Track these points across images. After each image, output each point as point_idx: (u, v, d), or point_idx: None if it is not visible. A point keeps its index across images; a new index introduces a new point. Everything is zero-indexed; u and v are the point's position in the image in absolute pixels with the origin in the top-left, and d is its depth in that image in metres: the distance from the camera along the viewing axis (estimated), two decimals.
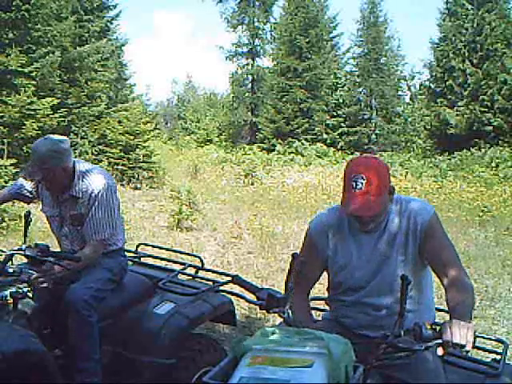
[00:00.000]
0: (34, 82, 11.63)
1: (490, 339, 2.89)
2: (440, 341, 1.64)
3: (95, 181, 2.81)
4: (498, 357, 2.44)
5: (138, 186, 14.04)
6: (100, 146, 14.14)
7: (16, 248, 2.76)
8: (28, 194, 3.01)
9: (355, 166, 2.02)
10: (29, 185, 3.01)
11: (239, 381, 1.44)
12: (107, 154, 13.91)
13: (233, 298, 2.95)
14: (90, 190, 2.79)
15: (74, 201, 2.83)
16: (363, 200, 1.95)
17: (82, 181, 2.81)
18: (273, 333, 1.65)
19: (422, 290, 2.13)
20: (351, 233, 2.16)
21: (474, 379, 2.25)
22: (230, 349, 1.61)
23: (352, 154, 27.07)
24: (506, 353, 2.44)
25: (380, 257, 2.10)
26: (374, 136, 32.37)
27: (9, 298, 2.38)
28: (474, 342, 1.63)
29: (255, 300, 1.90)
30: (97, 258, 2.84)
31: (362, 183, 1.95)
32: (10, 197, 3.02)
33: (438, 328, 1.69)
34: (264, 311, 1.88)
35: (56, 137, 2.80)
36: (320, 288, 2.88)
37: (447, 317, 1.84)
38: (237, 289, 2.28)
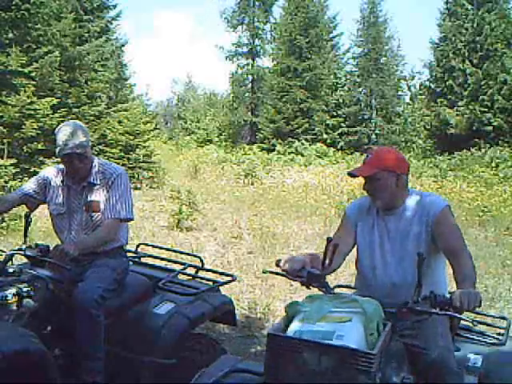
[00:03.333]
0: (33, 82, 11.62)
1: (494, 317, 3.29)
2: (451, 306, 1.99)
3: (112, 168, 3.01)
4: (502, 331, 2.80)
5: (138, 186, 14.05)
6: (100, 146, 14.12)
7: (16, 248, 2.76)
8: (35, 195, 3.00)
9: (373, 150, 2.61)
10: (34, 187, 3.01)
11: (294, 334, 1.82)
12: (107, 154, 13.89)
13: (233, 297, 2.95)
14: (107, 176, 2.94)
15: (91, 188, 2.93)
16: (361, 166, 2.51)
17: (99, 169, 2.96)
18: (317, 298, 2.04)
19: (434, 269, 2.46)
20: (377, 216, 2.57)
21: (481, 348, 2.60)
22: (285, 310, 2.00)
23: (352, 153, 27.08)
24: (509, 327, 2.79)
25: (398, 238, 2.48)
26: (374, 136, 32.36)
27: (9, 297, 2.38)
28: (480, 305, 1.98)
29: (293, 276, 2.25)
30: (110, 238, 2.88)
31: (367, 157, 2.50)
32: (19, 201, 3.01)
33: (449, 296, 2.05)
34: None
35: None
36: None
37: None
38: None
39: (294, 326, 1.87)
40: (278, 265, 2.28)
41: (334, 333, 1.78)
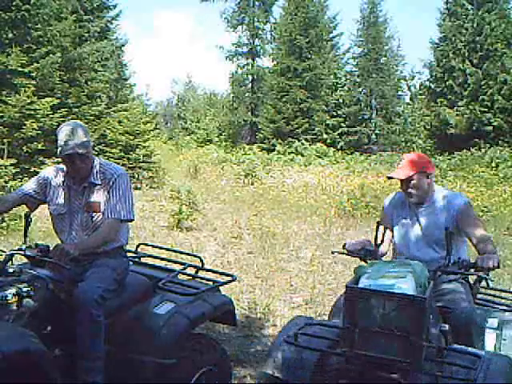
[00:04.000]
0: (34, 82, 11.64)
1: (506, 291, 4.03)
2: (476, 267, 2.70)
3: (112, 168, 2.99)
4: None
5: (138, 185, 14.05)
6: (100, 146, 14.13)
7: (16, 248, 2.76)
8: (36, 195, 2.99)
9: (404, 156, 3.25)
10: (35, 187, 3.00)
11: (364, 285, 2.36)
12: (107, 154, 13.90)
13: (233, 297, 2.95)
14: (108, 176, 2.92)
15: (91, 189, 2.92)
16: (397, 170, 3.11)
17: (100, 169, 2.95)
18: (377, 263, 2.63)
19: (458, 248, 3.06)
20: (409, 209, 3.20)
21: (499, 312, 3.39)
22: (354, 272, 2.54)
23: (352, 153, 27.09)
24: None
25: (428, 227, 3.11)
26: (374, 136, 32.38)
27: (9, 297, 2.38)
28: (499, 266, 2.66)
29: (355, 254, 3.07)
30: (110, 238, 2.87)
31: (401, 162, 3.13)
32: (19, 201, 3.00)
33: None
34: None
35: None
36: None
37: None
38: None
39: (362, 282, 2.39)
40: (344, 247, 3.12)
41: (394, 285, 2.32)
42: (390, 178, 3.17)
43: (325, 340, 2.53)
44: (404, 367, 2.24)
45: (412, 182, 3.06)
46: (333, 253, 3.25)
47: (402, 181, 3.11)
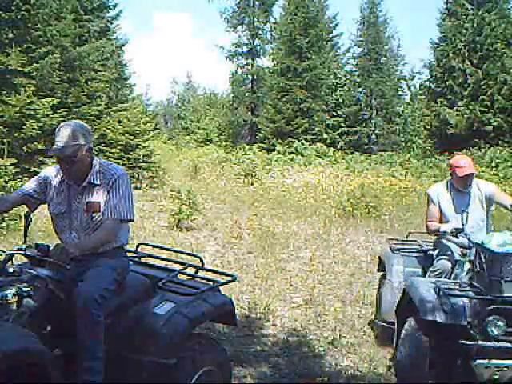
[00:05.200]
0: (34, 82, 11.63)
1: None
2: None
3: (113, 168, 2.97)
4: None
5: (138, 185, 14.05)
6: (100, 146, 14.12)
7: (16, 248, 2.75)
8: (36, 195, 2.98)
9: (457, 157, 4.54)
10: (35, 187, 2.99)
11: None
12: (107, 154, 13.89)
13: (233, 297, 2.95)
14: (108, 177, 2.90)
15: (91, 189, 2.90)
16: (466, 168, 4.29)
17: (100, 169, 2.92)
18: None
19: (488, 223, 4.39)
20: (452, 192, 4.39)
21: None
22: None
23: (352, 153, 27.08)
24: None
25: (468, 205, 4.31)
26: (373, 136, 32.39)
27: (9, 297, 2.38)
28: None
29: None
30: (110, 239, 2.86)
31: (464, 163, 4.31)
32: (20, 201, 2.99)
33: None
34: None
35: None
36: None
37: None
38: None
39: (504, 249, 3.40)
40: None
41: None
42: (467, 175, 4.31)
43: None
44: None
45: (472, 175, 4.33)
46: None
47: (467, 175, 4.32)
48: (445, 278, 4.01)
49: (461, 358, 3.36)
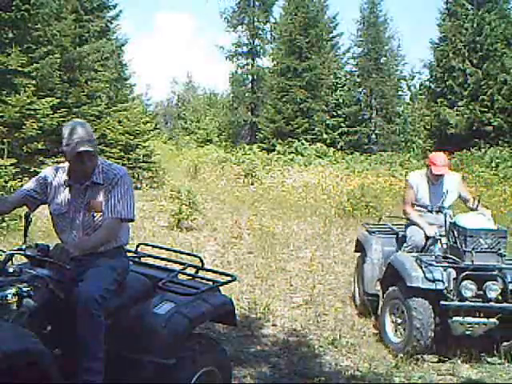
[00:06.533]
0: (34, 82, 11.62)
1: None
2: None
3: (115, 168, 3.00)
4: None
5: (138, 185, 14.05)
6: (100, 146, 14.10)
7: (16, 248, 2.75)
8: (36, 195, 2.98)
9: (435, 154, 5.13)
10: (35, 188, 2.99)
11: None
12: (107, 154, 13.89)
13: (233, 297, 2.95)
14: (111, 176, 2.92)
15: (94, 188, 2.91)
16: (441, 168, 4.91)
17: (103, 169, 2.95)
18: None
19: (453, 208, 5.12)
20: (429, 182, 5.03)
21: None
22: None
23: (352, 153, 27.07)
24: None
25: (440, 194, 4.91)
26: (373, 136, 32.39)
27: (9, 297, 2.38)
28: None
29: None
30: (110, 238, 2.87)
31: (440, 162, 4.92)
32: (20, 201, 2.98)
33: None
34: None
35: None
36: None
37: None
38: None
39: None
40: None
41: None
42: (438, 174, 4.95)
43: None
44: None
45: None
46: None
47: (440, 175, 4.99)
48: (416, 252, 4.68)
49: (438, 317, 4.19)
